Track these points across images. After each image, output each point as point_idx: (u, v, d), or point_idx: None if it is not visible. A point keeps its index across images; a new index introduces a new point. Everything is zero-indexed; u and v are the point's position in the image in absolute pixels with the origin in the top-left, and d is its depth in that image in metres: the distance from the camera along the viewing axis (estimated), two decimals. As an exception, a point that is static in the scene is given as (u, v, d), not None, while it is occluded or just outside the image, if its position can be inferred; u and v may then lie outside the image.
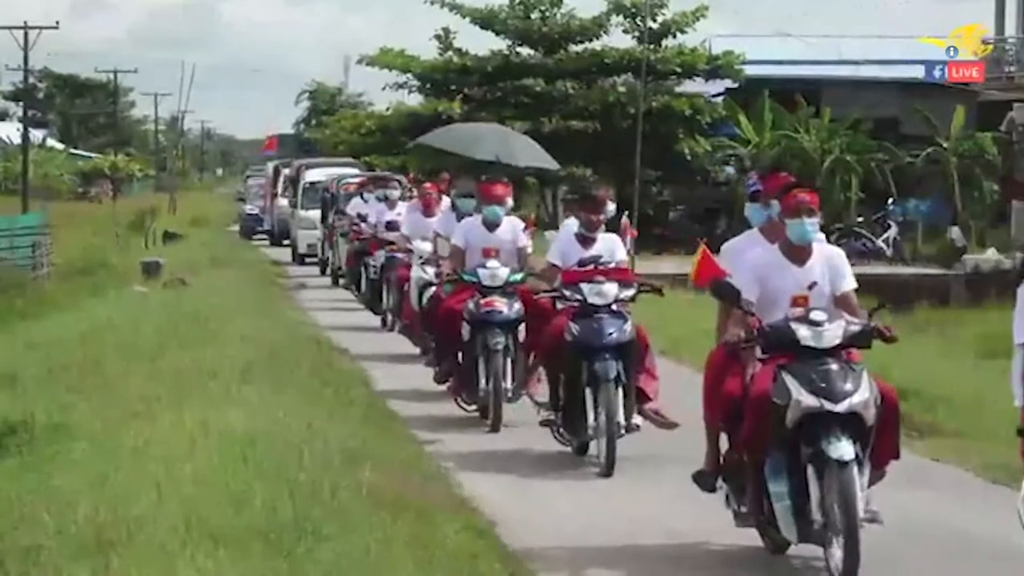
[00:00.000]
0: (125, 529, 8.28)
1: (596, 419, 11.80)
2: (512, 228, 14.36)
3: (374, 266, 23.35)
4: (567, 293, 12.15)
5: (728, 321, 8.98)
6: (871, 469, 8.55)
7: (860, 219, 45.31)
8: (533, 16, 48.99)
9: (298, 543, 8.17)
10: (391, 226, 22.02)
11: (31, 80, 73.89)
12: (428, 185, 19.70)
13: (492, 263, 13.98)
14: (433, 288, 16.07)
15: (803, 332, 8.48)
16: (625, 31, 48.94)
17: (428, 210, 18.77)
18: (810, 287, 8.85)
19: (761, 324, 8.62)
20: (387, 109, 53.24)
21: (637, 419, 11.99)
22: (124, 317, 21.69)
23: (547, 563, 9.12)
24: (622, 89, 48.14)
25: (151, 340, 17.79)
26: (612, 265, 12.39)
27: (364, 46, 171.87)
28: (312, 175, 42.37)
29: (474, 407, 14.27)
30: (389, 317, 21.96)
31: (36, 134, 76.89)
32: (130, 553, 7.88)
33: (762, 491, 8.62)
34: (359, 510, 9.12)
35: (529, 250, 14.39)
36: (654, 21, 47.49)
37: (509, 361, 13.81)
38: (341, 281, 30.69)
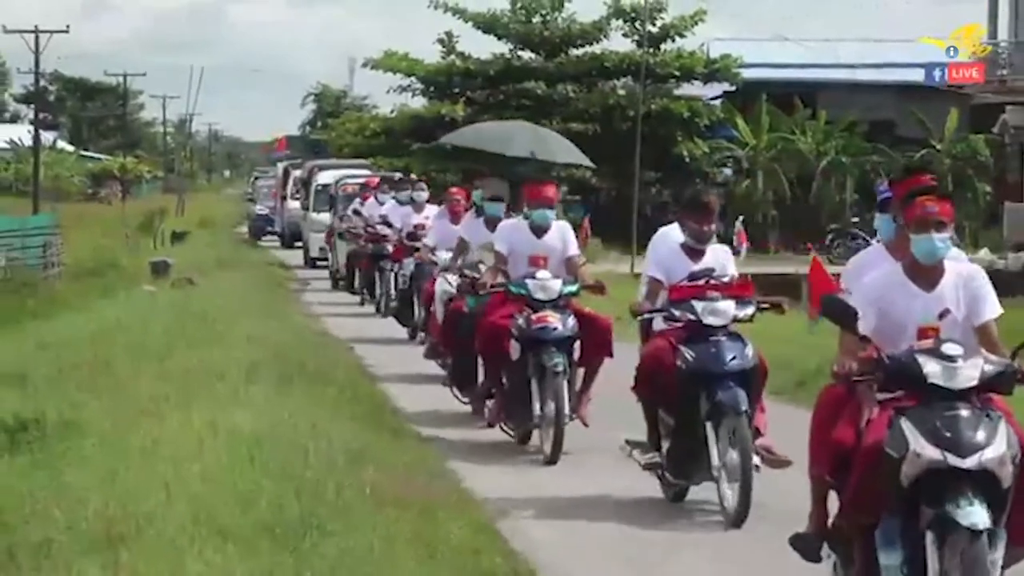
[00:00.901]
0: (135, 524, 8.36)
1: (721, 459, 10.06)
2: (561, 234, 12.83)
3: (403, 274, 21.65)
4: (676, 312, 10.37)
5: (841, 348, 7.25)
6: (1007, 543, 6.84)
7: (855, 220, 45.48)
8: (534, 20, 49.14)
9: (303, 539, 8.31)
10: (414, 232, 20.81)
11: (42, 83, 74.25)
12: (454, 190, 18.23)
13: (542, 273, 12.49)
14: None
15: (932, 367, 6.80)
16: (625, 35, 49.14)
17: (456, 218, 16.94)
18: (941, 316, 7.18)
19: (879, 354, 6.92)
20: (391, 112, 53.43)
21: (755, 458, 10.17)
22: (133, 317, 21.63)
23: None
24: (622, 92, 48.36)
25: (160, 340, 17.77)
26: (725, 280, 10.65)
27: (367, 49, 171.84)
28: (324, 177, 40.66)
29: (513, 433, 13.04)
30: (418, 332, 20.09)
31: (47, 136, 76.89)
32: (139, 548, 7.98)
33: (872, 563, 6.99)
34: (363, 508, 9.25)
35: (580, 259, 13.04)
36: (653, 25, 47.71)
37: (565, 383, 12.21)
38: (341, 284, 30.31)
